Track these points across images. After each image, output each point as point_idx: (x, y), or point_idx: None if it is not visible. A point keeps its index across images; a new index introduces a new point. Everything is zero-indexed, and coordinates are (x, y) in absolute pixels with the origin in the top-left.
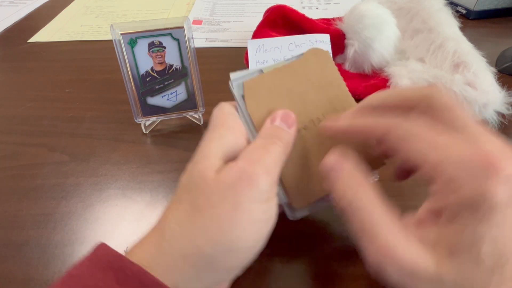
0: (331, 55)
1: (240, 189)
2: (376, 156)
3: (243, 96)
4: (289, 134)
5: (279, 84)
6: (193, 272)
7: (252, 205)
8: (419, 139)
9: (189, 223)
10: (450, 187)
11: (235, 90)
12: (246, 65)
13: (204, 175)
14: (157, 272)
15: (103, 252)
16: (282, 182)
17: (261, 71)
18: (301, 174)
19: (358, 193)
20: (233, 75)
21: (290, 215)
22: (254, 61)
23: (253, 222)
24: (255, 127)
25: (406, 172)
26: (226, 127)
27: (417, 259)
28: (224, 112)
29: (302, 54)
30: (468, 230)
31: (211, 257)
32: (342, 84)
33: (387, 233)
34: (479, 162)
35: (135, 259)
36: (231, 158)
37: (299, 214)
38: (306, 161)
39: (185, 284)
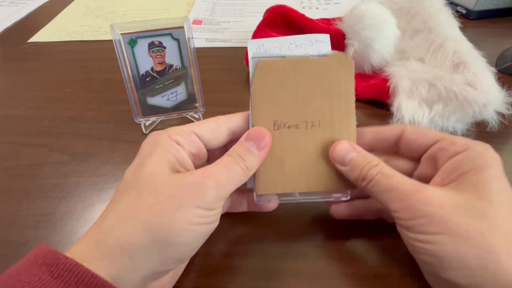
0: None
1: (187, 192)
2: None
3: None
4: (256, 157)
5: (290, 75)
6: (129, 262)
7: (194, 209)
8: (431, 130)
9: (130, 216)
10: (466, 147)
11: (251, 68)
12: (246, 65)
13: (156, 177)
14: (93, 263)
15: (40, 251)
16: None
17: (283, 57)
18: (275, 166)
19: (380, 164)
20: (255, 54)
21: (255, 198)
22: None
23: (191, 223)
24: (251, 108)
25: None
26: (174, 140)
27: (445, 196)
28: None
29: (326, 55)
30: (485, 173)
31: (147, 247)
32: (351, 99)
33: (417, 186)
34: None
35: (72, 254)
36: (176, 170)
37: (263, 199)
38: (284, 156)
39: (121, 275)
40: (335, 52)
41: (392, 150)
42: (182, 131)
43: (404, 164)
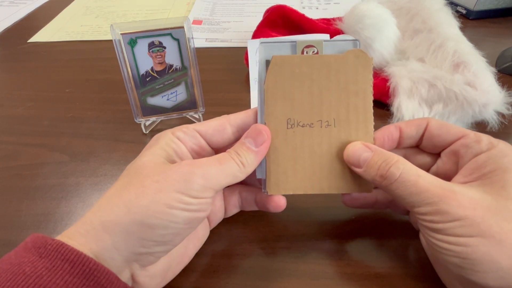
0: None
1: (172, 178)
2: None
3: (266, 61)
4: (253, 153)
5: (306, 72)
6: (109, 240)
7: (175, 194)
8: (454, 125)
9: (115, 196)
10: (491, 145)
11: (261, 53)
12: (246, 65)
13: (148, 165)
14: (77, 240)
15: (30, 238)
16: (267, 165)
17: (294, 42)
18: (287, 166)
19: (401, 161)
20: (262, 39)
21: (263, 189)
22: (254, 61)
23: (170, 207)
24: (264, 105)
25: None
26: (175, 135)
27: (476, 198)
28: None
29: (347, 41)
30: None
31: (127, 226)
32: (369, 97)
33: (446, 187)
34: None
35: (62, 234)
36: (175, 162)
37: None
38: (297, 156)
39: (103, 253)
40: (354, 48)
41: (413, 144)
42: (185, 128)
43: (422, 158)
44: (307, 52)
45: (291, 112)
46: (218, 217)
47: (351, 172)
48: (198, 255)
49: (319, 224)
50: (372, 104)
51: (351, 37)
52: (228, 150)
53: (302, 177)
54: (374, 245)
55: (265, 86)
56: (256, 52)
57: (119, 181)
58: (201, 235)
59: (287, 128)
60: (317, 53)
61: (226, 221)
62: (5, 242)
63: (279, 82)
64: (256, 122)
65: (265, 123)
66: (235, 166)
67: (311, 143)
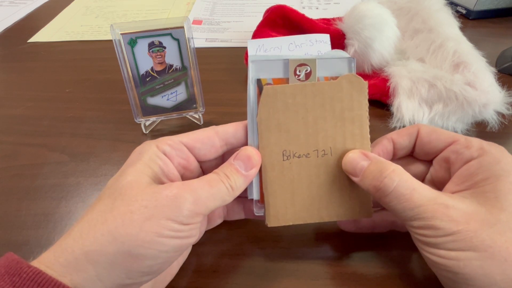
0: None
1: (161, 204)
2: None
3: (257, 80)
4: (243, 177)
5: (299, 101)
6: (93, 271)
7: (165, 222)
8: (444, 131)
9: (99, 222)
10: (482, 151)
11: (252, 72)
12: (246, 65)
13: (133, 186)
14: (57, 270)
15: (4, 260)
16: (263, 196)
17: (286, 61)
18: (286, 199)
19: (397, 172)
20: (253, 57)
21: (255, 210)
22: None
23: (160, 236)
24: (257, 134)
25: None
26: (161, 150)
27: (470, 212)
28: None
29: (342, 58)
30: (505, 181)
31: (112, 257)
32: (365, 123)
33: (437, 199)
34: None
35: (40, 261)
36: (160, 182)
37: (263, 212)
38: (295, 187)
39: (85, 284)
40: (348, 74)
41: (407, 154)
42: (171, 141)
43: (417, 167)
44: (299, 71)
45: (286, 143)
46: (201, 230)
47: (350, 198)
48: (198, 255)
49: (319, 224)
50: (368, 130)
51: (346, 54)
52: (216, 171)
53: (301, 207)
54: (374, 245)
55: (258, 119)
56: (249, 68)
57: (101, 202)
58: (185, 252)
59: (283, 160)
60: (310, 72)
61: (226, 222)
62: (5, 242)
63: (272, 114)
64: (245, 136)
65: (257, 145)
66: (225, 189)
67: (309, 173)
